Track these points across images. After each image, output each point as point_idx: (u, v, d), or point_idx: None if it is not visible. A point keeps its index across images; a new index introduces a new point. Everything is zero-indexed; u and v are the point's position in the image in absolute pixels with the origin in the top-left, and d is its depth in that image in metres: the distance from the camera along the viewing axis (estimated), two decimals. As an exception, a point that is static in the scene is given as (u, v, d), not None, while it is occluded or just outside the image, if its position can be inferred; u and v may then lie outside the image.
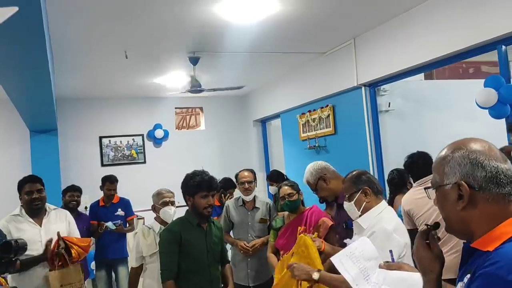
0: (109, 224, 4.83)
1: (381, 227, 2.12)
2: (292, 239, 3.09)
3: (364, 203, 2.26)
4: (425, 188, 1.25)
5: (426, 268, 1.27)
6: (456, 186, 1.12)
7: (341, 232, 2.84)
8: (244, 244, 3.73)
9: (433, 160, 3.44)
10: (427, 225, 1.33)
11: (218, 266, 2.87)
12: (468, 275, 1.08)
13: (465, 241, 1.18)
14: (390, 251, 1.75)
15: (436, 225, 1.32)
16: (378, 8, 4.13)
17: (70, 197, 4.63)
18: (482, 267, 1.03)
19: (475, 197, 1.11)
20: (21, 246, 2.86)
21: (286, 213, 3.37)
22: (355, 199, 2.29)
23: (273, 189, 5.61)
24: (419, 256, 1.29)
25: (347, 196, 2.35)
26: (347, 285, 1.84)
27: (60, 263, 3.08)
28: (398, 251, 2.05)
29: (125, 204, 5.22)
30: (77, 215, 4.46)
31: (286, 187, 3.27)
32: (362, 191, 2.27)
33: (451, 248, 3.01)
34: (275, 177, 5.56)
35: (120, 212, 5.09)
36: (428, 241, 1.29)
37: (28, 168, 6.29)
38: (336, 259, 1.77)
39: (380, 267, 1.60)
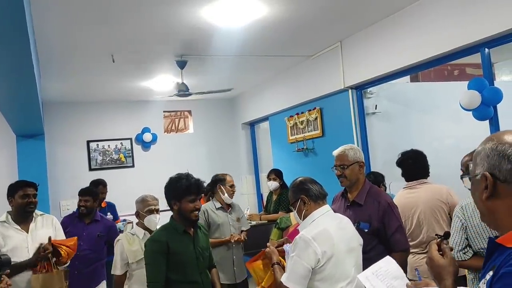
0: (119, 225, 4.79)
1: (301, 235, 2.25)
2: None
3: (304, 211, 2.39)
4: (461, 176, 1.30)
5: (441, 276, 1.32)
6: (483, 176, 1.13)
7: None
8: (232, 236, 3.92)
9: (426, 160, 3.43)
10: (437, 235, 1.39)
11: (208, 272, 2.79)
12: (491, 272, 1.07)
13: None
14: (416, 269, 1.77)
15: (447, 234, 1.38)
16: (363, 11, 4.17)
17: (79, 201, 4.13)
18: (506, 265, 1.01)
19: (501, 189, 1.10)
20: (5, 262, 2.86)
21: (292, 213, 3.37)
22: (296, 207, 2.44)
23: (273, 184, 5.50)
24: (432, 265, 1.34)
25: (290, 205, 2.52)
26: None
27: (45, 268, 3.05)
28: (314, 258, 2.18)
29: (112, 208, 5.22)
30: (91, 221, 4.06)
31: None
32: (301, 200, 2.40)
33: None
34: (276, 174, 5.54)
35: (109, 216, 5.07)
36: (441, 251, 1.35)
37: (15, 173, 6.21)
38: (362, 277, 1.79)
39: (407, 286, 1.62)
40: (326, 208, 2.41)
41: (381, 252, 2.68)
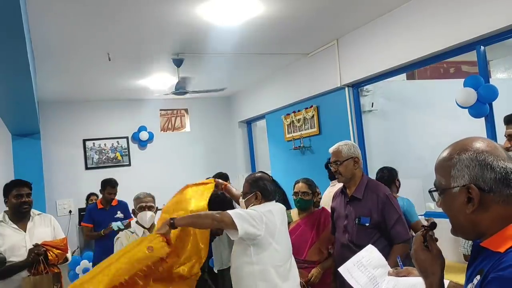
0: (118, 224, 4.76)
1: (254, 208, 2.50)
2: (303, 238, 3.17)
3: (252, 204, 2.58)
4: (429, 191, 1.21)
5: (426, 271, 1.23)
6: (464, 189, 1.08)
7: (351, 227, 2.82)
8: None
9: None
10: (423, 226, 1.30)
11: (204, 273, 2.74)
12: (478, 276, 1.05)
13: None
14: (398, 257, 1.77)
15: (433, 225, 1.29)
16: (360, 9, 4.18)
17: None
18: (495, 270, 1.00)
19: (485, 200, 1.07)
20: (1, 261, 2.86)
21: (293, 210, 3.41)
22: (247, 198, 2.61)
23: None
24: (418, 259, 1.25)
25: (242, 193, 2.69)
26: (210, 217, 2.32)
27: (38, 270, 3.03)
28: (260, 228, 2.41)
29: (123, 206, 5.16)
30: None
31: (302, 184, 3.28)
32: (254, 194, 2.58)
33: None
34: None
35: (119, 214, 5.04)
36: (426, 243, 1.26)
37: (11, 172, 6.19)
38: (343, 269, 1.76)
39: (389, 274, 1.59)
40: (273, 202, 2.64)
41: (384, 246, 2.70)
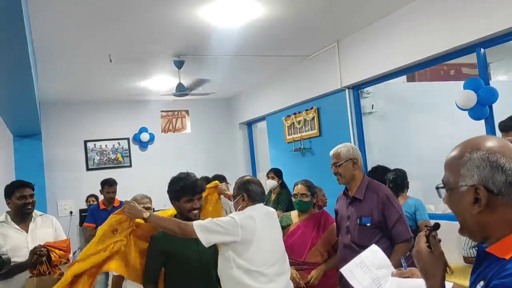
0: None
1: (233, 216, 2.49)
2: (302, 240, 3.17)
3: (240, 206, 2.61)
4: (436, 187, 1.18)
5: (428, 272, 1.21)
6: (472, 189, 1.06)
7: (353, 227, 2.84)
8: None
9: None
10: (427, 226, 1.28)
11: (212, 277, 2.68)
12: (482, 282, 1.04)
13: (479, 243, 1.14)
14: (402, 258, 1.77)
15: (436, 225, 1.27)
16: (360, 11, 4.19)
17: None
18: (497, 277, 0.98)
19: (494, 202, 1.04)
20: (6, 261, 2.86)
21: (293, 212, 3.42)
22: (235, 200, 2.65)
23: (271, 183, 5.53)
24: (420, 260, 1.23)
25: (232, 195, 2.74)
26: (176, 225, 2.40)
27: (40, 271, 3.03)
28: (232, 240, 2.42)
29: None
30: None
31: (301, 186, 3.31)
32: (241, 196, 2.61)
33: None
34: (275, 172, 5.53)
35: None
36: (428, 244, 1.24)
37: (12, 173, 6.20)
38: (346, 270, 1.73)
39: (392, 275, 1.57)
40: (259, 205, 2.64)
41: (386, 246, 2.70)
